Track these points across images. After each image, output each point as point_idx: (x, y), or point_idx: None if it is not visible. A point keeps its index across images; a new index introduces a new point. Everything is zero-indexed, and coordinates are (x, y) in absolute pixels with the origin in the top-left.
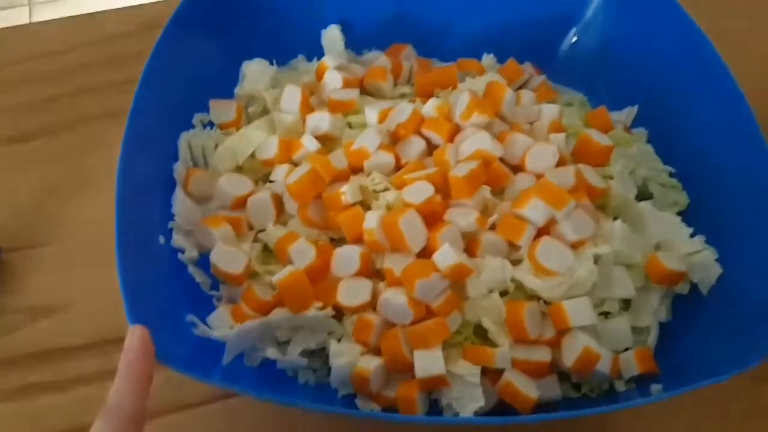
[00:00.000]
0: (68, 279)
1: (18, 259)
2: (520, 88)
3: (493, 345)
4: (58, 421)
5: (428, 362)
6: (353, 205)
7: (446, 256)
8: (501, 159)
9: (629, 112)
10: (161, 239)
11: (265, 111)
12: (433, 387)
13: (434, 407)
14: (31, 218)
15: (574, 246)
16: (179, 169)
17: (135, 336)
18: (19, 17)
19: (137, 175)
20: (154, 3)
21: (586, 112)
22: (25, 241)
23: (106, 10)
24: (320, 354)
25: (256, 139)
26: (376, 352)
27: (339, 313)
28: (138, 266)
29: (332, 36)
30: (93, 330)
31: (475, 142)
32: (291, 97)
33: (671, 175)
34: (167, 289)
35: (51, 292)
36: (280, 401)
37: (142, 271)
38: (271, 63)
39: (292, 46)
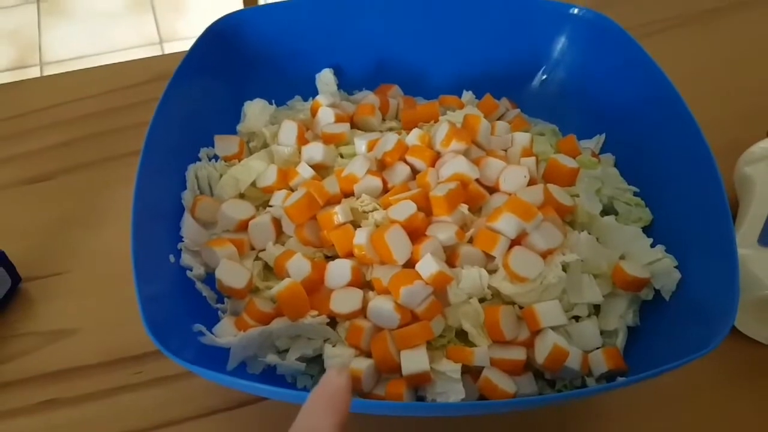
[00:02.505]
0: (81, 305)
1: (36, 287)
2: (498, 120)
3: (474, 346)
4: None
5: (413, 360)
6: (344, 224)
7: (428, 265)
8: (477, 181)
9: (598, 140)
10: (171, 258)
11: (265, 145)
12: (419, 383)
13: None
14: (47, 250)
15: (544, 255)
16: (187, 196)
17: (340, 376)
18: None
19: (150, 202)
20: (166, 56)
21: (557, 141)
22: (42, 270)
23: (120, 62)
24: (317, 361)
25: (257, 169)
26: (368, 354)
27: (333, 322)
28: (151, 282)
29: (325, 78)
30: (103, 350)
31: (454, 165)
32: (288, 131)
33: (635, 194)
34: (177, 303)
35: (65, 317)
36: (280, 397)
37: (155, 286)
38: (270, 103)
39: (290, 88)
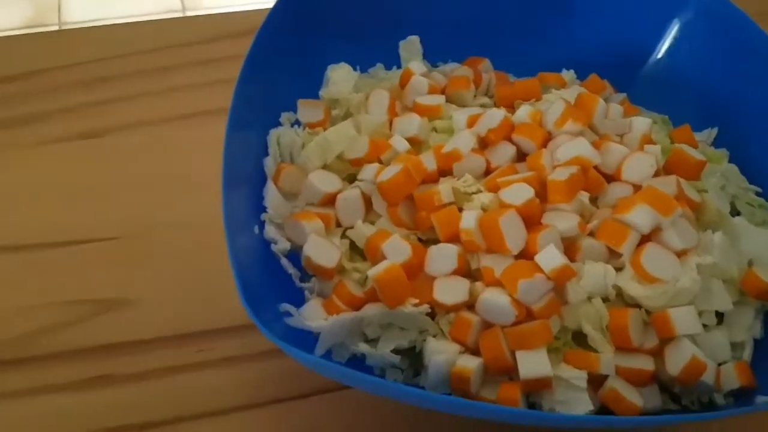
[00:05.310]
0: (138, 274)
1: (90, 250)
2: None
3: (594, 351)
4: (124, 414)
5: (533, 363)
6: (447, 205)
7: (551, 257)
8: (595, 167)
9: (709, 134)
10: (255, 229)
11: (348, 114)
12: (536, 389)
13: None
14: (101, 212)
15: (678, 255)
16: (270, 164)
17: None
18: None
19: (234, 168)
20: (223, 15)
21: (669, 131)
22: (97, 233)
23: (174, 18)
24: (408, 354)
25: (347, 137)
26: (473, 352)
27: (431, 312)
28: (240, 254)
29: (411, 46)
30: (163, 324)
31: (573, 148)
32: (379, 100)
33: (757, 194)
34: (262, 278)
35: (122, 286)
36: (395, 395)
37: (244, 259)
38: (355, 69)
39: (371, 54)
